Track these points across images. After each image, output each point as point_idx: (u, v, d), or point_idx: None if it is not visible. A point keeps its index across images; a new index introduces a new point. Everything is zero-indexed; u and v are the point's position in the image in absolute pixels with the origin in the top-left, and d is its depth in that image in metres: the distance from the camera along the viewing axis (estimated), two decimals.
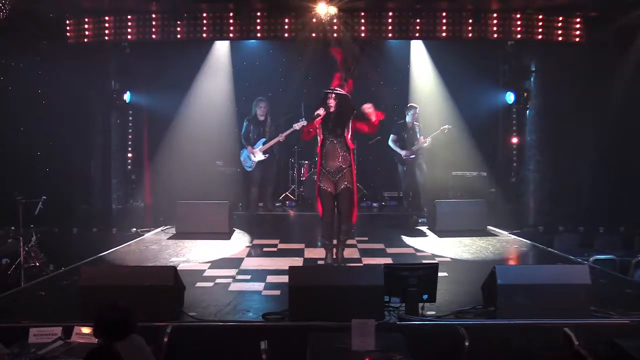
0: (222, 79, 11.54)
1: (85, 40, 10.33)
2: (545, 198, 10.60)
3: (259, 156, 10.41)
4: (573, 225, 10.14)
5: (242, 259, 7.52)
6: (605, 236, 9.51)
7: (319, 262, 7.04)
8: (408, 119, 10.47)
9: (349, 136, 6.83)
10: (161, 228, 9.76)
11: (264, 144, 10.39)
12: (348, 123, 6.79)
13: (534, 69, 10.74)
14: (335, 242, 6.97)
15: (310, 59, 10.60)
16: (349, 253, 7.07)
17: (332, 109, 6.72)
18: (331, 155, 6.80)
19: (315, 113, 6.70)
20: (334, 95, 6.72)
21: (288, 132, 10.16)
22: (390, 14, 10.07)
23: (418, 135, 10.40)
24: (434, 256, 7.56)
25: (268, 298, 5.62)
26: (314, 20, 9.67)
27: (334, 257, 6.92)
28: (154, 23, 10.17)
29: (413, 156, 10.39)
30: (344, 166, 6.80)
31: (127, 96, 11.04)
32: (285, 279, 5.02)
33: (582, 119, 10.20)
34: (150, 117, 11.33)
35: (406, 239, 8.73)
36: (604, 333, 4.67)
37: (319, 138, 6.85)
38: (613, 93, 9.91)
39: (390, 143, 10.55)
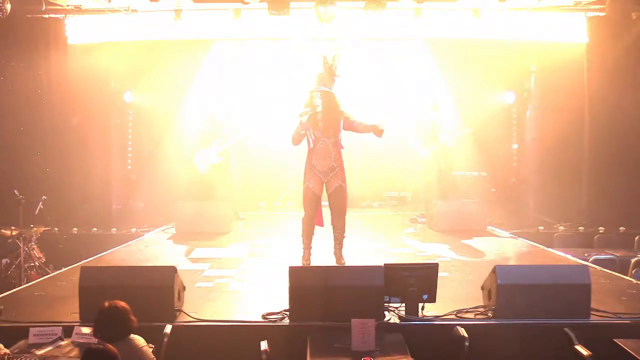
0: (221, 79, 11.53)
1: (85, 40, 10.35)
2: (545, 198, 10.60)
3: (213, 158, 9.92)
4: (573, 225, 10.15)
5: (242, 258, 7.52)
6: (605, 236, 9.52)
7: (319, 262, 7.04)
8: (428, 115, 9.97)
9: (340, 136, 6.77)
10: (161, 228, 9.76)
11: (218, 145, 9.89)
12: (339, 123, 6.74)
13: (534, 69, 10.72)
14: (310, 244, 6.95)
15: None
16: (349, 253, 7.06)
17: (318, 109, 6.65)
18: (323, 155, 6.71)
19: (300, 118, 6.64)
20: (318, 94, 6.68)
21: (242, 136, 9.91)
22: (391, 13, 10.07)
23: (439, 135, 9.90)
24: (434, 256, 7.56)
25: (268, 298, 5.61)
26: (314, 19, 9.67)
27: (310, 259, 6.88)
28: (154, 23, 10.17)
29: (431, 156, 9.87)
30: (336, 165, 6.74)
31: (127, 96, 11.05)
32: (285, 279, 5.02)
33: (582, 119, 10.21)
34: (150, 117, 11.31)
35: (406, 239, 8.73)
36: (604, 333, 4.67)
37: (310, 139, 6.74)
38: (613, 93, 9.92)
39: (411, 140, 10.04)
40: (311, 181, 6.76)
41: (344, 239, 6.94)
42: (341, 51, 6.92)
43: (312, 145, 6.75)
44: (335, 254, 6.88)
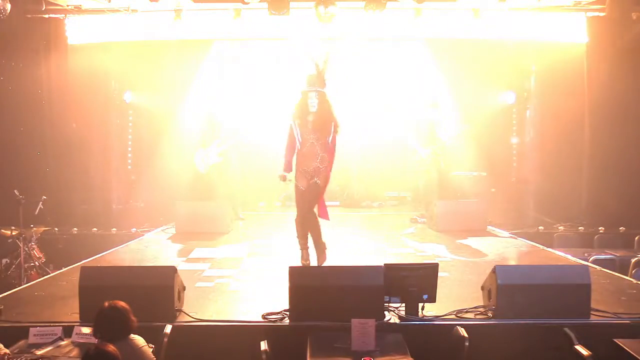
0: (221, 79, 11.53)
1: (85, 40, 10.35)
2: (545, 198, 10.59)
3: (212, 159, 9.87)
4: (573, 225, 10.15)
5: (242, 258, 7.53)
6: (605, 236, 9.52)
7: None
8: (428, 115, 9.91)
9: (330, 138, 6.66)
10: (161, 228, 9.76)
11: (218, 146, 9.87)
12: (330, 125, 6.63)
13: (534, 69, 10.71)
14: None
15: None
16: (349, 253, 7.06)
17: (312, 109, 6.60)
18: (310, 156, 6.64)
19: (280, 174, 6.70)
20: (315, 94, 6.60)
21: (242, 136, 9.96)
22: (391, 13, 10.06)
23: (438, 134, 9.83)
24: (434, 256, 7.56)
25: (268, 298, 5.61)
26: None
27: (309, 259, 6.84)
28: (154, 23, 10.17)
29: (431, 156, 9.80)
30: (321, 167, 6.66)
31: (127, 96, 11.05)
32: (285, 279, 5.02)
33: (582, 119, 10.21)
34: (150, 117, 11.31)
35: (406, 239, 8.73)
36: (604, 333, 4.67)
37: (298, 140, 6.66)
38: (613, 93, 9.91)
39: (410, 140, 9.99)
40: (300, 180, 6.74)
41: (322, 237, 6.82)
42: (333, 53, 6.83)
43: (299, 146, 6.69)
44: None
